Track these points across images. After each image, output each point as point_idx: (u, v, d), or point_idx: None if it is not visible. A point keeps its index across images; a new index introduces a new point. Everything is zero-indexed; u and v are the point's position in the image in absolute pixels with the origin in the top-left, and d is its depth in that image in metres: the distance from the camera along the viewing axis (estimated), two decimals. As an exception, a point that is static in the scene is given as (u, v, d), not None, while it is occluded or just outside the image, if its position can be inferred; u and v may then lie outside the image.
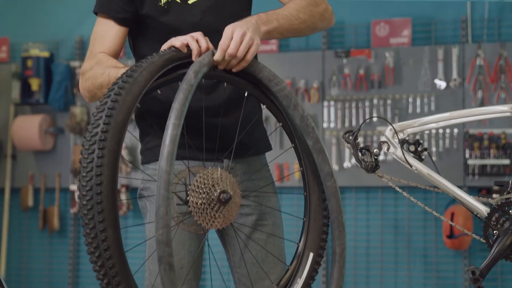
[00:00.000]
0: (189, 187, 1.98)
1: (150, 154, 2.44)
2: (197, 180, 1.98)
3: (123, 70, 2.12)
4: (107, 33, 2.35)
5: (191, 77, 1.95)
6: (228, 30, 2.09)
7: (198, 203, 1.97)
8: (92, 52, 2.35)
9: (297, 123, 2.07)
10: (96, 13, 2.40)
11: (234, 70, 2.11)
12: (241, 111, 2.33)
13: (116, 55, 2.37)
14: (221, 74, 2.11)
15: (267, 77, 2.08)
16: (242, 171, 2.44)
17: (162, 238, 1.76)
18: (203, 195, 1.97)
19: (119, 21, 2.35)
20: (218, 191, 1.99)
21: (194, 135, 2.27)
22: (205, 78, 2.07)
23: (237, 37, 2.07)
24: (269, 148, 2.55)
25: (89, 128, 1.86)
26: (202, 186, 1.98)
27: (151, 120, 2.38)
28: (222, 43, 2.07)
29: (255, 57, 2.18)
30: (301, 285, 2.13)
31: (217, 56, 2.07)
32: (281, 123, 2.17)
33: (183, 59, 2.05)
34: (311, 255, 2.15)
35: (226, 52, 2.07)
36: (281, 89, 2.07)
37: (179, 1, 2.35)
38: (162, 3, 2.34)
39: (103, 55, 2.31)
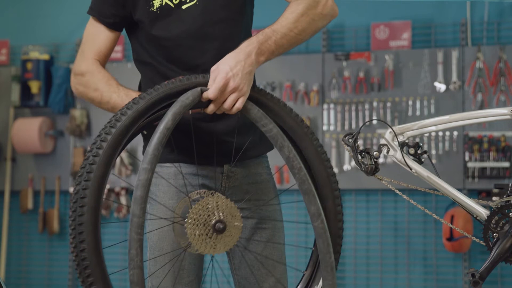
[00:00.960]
0: (186, 220, 2.04)
1: None
2: (193, 212, 2.03)
3: (113, 89, 2.26)
4: (98, 36, 2.40)
5: (169, 119, 1.99)
6: (220, 77, 2.09)
7: (196, 234, 2.02)
8: (84, 52, 2.40)
9: (285, 162, 2.08)
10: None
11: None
12: (237, 115, 2.34)
13: (106, 57, 2.41)
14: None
15: (254, 118, 2.09)
16: (242, 175, 2.44)
17: (133, 278, 1.87)
18: (200, 227, 2.03)
19: (109, 26, 2.40)
20: (213, 221, 2.03)
21: (191, 140, 2.28)
22: (196, 107, 2.11)
23: (227, 91, 2.09)
24: (270, 148, 2.55)
25: (75, 185, 1.94)
26: (198, 217, 2.03)
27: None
28: (211, 92, 2.08)
29: None
30: None
31: (210, 109, 2.12)
32: None
33: (171, 98, 2.06)
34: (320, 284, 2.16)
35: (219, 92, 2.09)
36: (267, 131, 2.08)
37: (173, 6, 2.35)
38: (155, 8, 2.34)
39: (94, 65, 2.36)
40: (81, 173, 1.92)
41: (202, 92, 2.07)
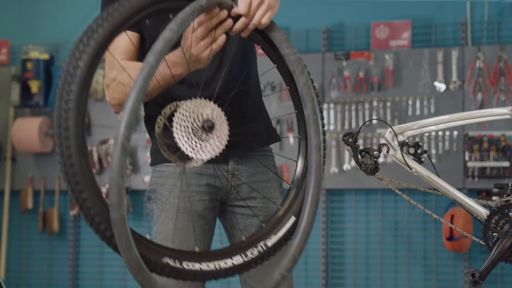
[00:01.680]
0: (178, 108, 1.97)
1: (154, 157, 2.45)
2: (187, 105, 1.97)
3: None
4: (120, 42, 2.33)
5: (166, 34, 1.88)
6: None
7: (182, 126, 1.95)
8: (111, 62, 2.33)
9: (300, 89, 2.05)
10: None
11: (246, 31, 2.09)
12: (238, 105, 2.34)
13: (133, 58, 2.35)
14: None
15: (279, 38, 2.06)
16: (247, 173, 2.44)
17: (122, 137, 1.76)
18: (189, 119, 1.96)
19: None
20: (204, 119, 1.97)
21: None
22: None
23: (255, 4, 2.05)
24: (276, 138, 2.55)
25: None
26: (190, 112, 1.96)
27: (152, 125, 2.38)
28: (241, 7, 2.04)
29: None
30: (274, 241, 2.08)
31: (238, 26, 2.05)
32: (288, 87, 2.15)
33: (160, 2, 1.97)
34: (293, 218, 2.10)
35: (250, 6, 2.05)
36: (289, 54, 2.05)
37: None
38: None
39: (122, 62, 2.29)
40: (61, 86, 1.83)
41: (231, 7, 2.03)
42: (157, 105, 2.29)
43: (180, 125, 1.95)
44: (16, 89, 6.68)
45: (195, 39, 2.05)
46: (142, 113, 2.52)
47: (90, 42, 1.80)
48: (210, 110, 1.99)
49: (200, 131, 1.97)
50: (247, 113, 2.41)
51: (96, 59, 1.81)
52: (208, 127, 1.96)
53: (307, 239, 2.01)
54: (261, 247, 2.06)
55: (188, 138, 1.95)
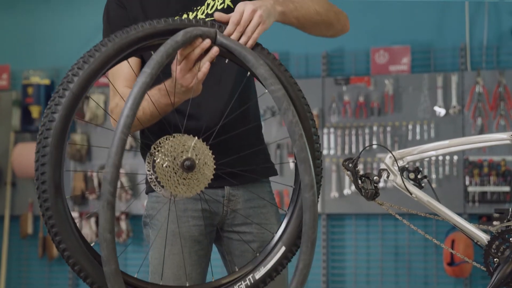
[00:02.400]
0: (160, 148, 1.98)
1: (149, 184, 2.46)
2: (169, 144, 1.98)
3: (146, 97, 2.14)
4: (121, 68, 2.35)
5: (155, 60, 1.91)
6: (240, 5, 2.06)
7: (164, 165, 1.97)
8: (113, 90, 2.36)
9: (287, 127, 2.02)
10: None
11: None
12: (235, 136, 2.35)
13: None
14: (223, 51, 2.06)
15: (263, 75, 2.01)
16: (243, 198, 2.44)
17: (106, 176, 1.80)
18: (170, 159, 1.97)
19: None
20: (184, 157, 1.98)
21: None
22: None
23: (247, 14, 2.04)
24: (272, 173, 2.54)
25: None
26: (172, 150, 1.97)
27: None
28: (233, 17, 2.04)
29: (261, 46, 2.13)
30: (262, 274, 2.06)
31: (229, 29, 2.04)
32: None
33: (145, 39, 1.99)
34: (283, 249, 2.09)
35: (236, 26, 2.04)
36: (274, 91, 2.00)
37: None
38: None
39: (124, 89, 2.32)
40: (46, 114, 1.89)
41: (215, 34, 2.02)
42: (153, 134, 2.30)
43: (162, 165, 1.97)
44: (17, 114, 6.70)
45: (180, 71, 2.05)
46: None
47: (65, 93, 1.86)
48: (191, 146, 2.00)
49: (180, 170, 1.98)
50: (244, 144, 2.40)
51: (73, 109, 1.87)
52: (187, 167, 1.97)
53: (305, 281, 1.99)
54: (249, 280, 2.05)
55: (170, 177, 1.97)
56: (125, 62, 2.31)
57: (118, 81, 2.36)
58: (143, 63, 2.40)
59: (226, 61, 2.09)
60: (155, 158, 1.97)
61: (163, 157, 1.96)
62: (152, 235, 2.42)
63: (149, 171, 1.99)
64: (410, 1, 6.10)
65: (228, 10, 2.38)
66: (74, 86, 1.85)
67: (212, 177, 2.02)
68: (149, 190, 2.47)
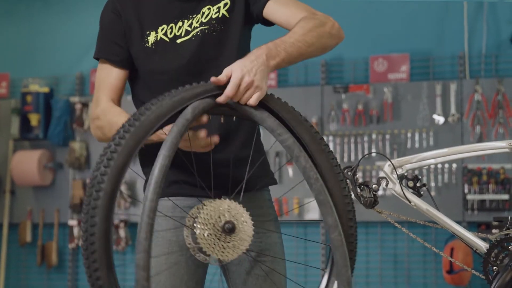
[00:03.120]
0: (197, 219, 2.00)
1: None
2: (204, 213, 2.00)
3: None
4: (108, 77, 2.39)
5: (188, 112, 1.97)
6: (236, 74, 2.05)
7: (205, 235, 1.98)
8: (97, 98, 2.39)
9: (302, 172, 2.04)
10: (97, 59, 2.45)
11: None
12: (238, 145, 2.35)
13: (119, 96, 2.41)
14: (229, 110, 2.10)
15: (270, 127, 2.05)
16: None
17: (139, 262, 1.81)
18: (209, 227, 1.99)
19: (117, 64, 2.40)
20: (223, 221, 1.99)
21: (190, 172, 2.28)
22: (211, 114, 2.08)
23: (243, 87, 2.05)
24: (272, 182, 2.54)
25: (93, 170, 1.90)
26: (209, 218, 1.99)
27: (149, 157, 2.40)
28: (228, 90, 2.04)
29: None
30: None
31: (221, 99, 2.05)
32: None
33: (194, 98, 2.02)
34: (336, 283, 2.13)
35: (229, 98, 2.06)
36: (283, 140, 2.04)
37: (168, 40, 2.37)
38: (150, 44, 2.37)
39: (108, 103, 2.36)
40: (101, 160, 1.88)
41: (214, 99, 2.05)
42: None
43: (203, 235, 1.99)
44: (16, 122, 6.70)
45: (194, 141, 2.14)
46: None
47: (108, 171, 1.86)
48: (226, 209, 2.03)
49: (223, 235, 2.01)
50: (244, 155, 2.40)
51: (118, 183, 1.88)
52: (229, 230, 2.00)
53: None
54: None
55: (214, 244, 2.00)
56: (114, 70, 2.36)
57: (101, 90, 2.39)
58: (130, 74, 2.43)
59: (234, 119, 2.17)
60: (194, 230, 1.99)
61: (202, 227, 1.99)
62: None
63: (189, 244, 2.03)
64: (409, 9, 6.11)
65: (223, 19, 2.40)
66: (117, 161, 1.89)
67: (253, 232, 2.06)
68: None
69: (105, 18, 2.43)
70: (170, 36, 2.37)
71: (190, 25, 2.38)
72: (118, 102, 2.41)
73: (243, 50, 2.44)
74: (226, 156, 2.37)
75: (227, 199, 2.04)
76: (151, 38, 2.36)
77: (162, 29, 2.38)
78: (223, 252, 2.00)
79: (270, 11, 2.39)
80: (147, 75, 2.39)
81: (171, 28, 2.38)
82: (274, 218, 2.50)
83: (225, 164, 2.36)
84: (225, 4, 2.42)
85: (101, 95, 2.38)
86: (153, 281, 2.36)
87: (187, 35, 2.38)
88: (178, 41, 2.37)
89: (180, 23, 2.38)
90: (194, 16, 2.40)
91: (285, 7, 2.38)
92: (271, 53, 2.14)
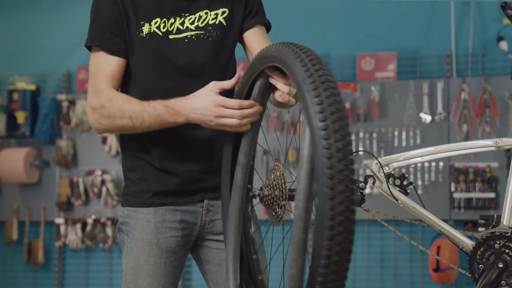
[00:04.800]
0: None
1: (128, 199, 2.47)
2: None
3: (139, 107, 2.23)
4: (107, 65, 2.35)
5: None
6: None
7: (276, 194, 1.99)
8: (96, 85, 2.34)
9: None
10: (89, 47, 2.40)
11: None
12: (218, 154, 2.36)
13: (119, 85, 2.38)
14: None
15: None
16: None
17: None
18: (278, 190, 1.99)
19: (115, 53, 2.36)
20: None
21: (169, 183, 2.33)
22: None
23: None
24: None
25: None
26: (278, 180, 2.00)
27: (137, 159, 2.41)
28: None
29: None
30: None
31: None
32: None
33: None
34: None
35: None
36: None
37: (160, 34, 2.37)
38: (144, 34, 2.36)
39: (112, 92, 2.32)
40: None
41: None
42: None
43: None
44: (2, 119, 6.67)
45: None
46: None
47: None
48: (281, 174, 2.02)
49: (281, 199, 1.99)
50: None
51: None
52: (290, 197, 1.97)
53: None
54: None
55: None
56: (112, 58, 2.33)
57: (100, 78, 2.34)
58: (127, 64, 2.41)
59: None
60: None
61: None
62: (127, 242, 2.41)
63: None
64: (396, 8, 6.12)
65: (220, 26, 2.41)
66: None
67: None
68: (128, 205, 2.47)
69: (102, 6, 2.37)
70: (162, 30, 2.37)
71: (182, 24, 2.38)
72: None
73: (233, 60, 2.49)
74: (204, 165, 2.43)
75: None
76: (145, 29, 2.35)
77: (156, 23, 2.37)
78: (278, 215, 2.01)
79: (251, 34, 2.47)
80: (142, 63, 2.38)
81: (164, 22, 2.37)
82: (254, 217, 2.52)
83: (203, 171, 2.42)
84: (223, 12, 2.43)
85: (100, 83, 2.33)
86: (131, 281, 2.36)
87: (179, 34, 2.38)
88: (170, 36, 2.37)
89: (172, 20, 2.38)
90: (186, 15, 2.39)
91: (260, 42, 2.44)
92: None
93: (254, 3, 2.49)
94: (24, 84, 6.58)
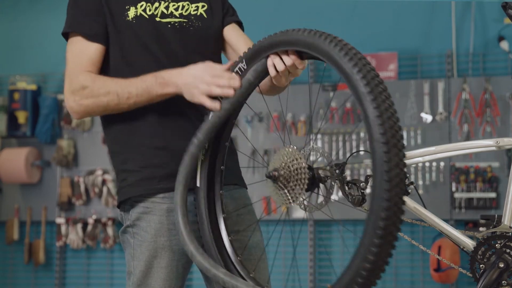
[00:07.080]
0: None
1: (127, 190, 2.40)
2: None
3: (124, 83, 2.24)
4: (86, 50, 2.34)
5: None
6: None
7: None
8: (75, 70, 2.32)
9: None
10: (66, 34, 2.40)
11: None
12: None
13: (98, 71, 2.36)
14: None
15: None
16: (231, 206, 2.43)
17: None
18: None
19: (94, 39, 2.35)
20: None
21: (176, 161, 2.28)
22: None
23: None
24: (245, 184, 2.57)
25: None
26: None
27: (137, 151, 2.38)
28: None
29: None
30: None
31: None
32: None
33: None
34: None
35: None
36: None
37: (147, 17, 2.38)
38: (130, 18, 2.36)
39: (91, 74, 2.31)
40: None
41: None
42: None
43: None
44: (3, 119, 6.67)
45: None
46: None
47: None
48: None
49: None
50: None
51: None
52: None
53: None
54: None
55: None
56: (91, 44, 2.32)
57: (78, 64, 2.33)
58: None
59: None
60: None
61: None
62: (135, 245, 2.37)
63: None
64: (397, 8, 6.12)
65: (202, 17, 2.46)
66: None
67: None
68: (132, 194, 2.42)
69: None
70: (148, 13, 2.38)
71: (166, 8, 2.41)
72: None
73: (219, 60, 2.52)
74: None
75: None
76: (131, 13, 2.36)
77: (141, 6, 2.38)
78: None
79: (231, 30, 2.52)
80: (128, 47, 2.37)
81: (149, 6, 2.39)
82: (255, 214, 2.52)
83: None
84: (203, 6, 2.48)
85: (78, 69, 2.32)
86: (141, 284, 2.34)
87: (164, 18, 2.40)
88: (157, 19, 2.38)
89: (156, 4, 2.40)
90: (169, 0, 2.42)
91: (241, 36, 2.52)
92: None
93: (229, 5, 2.57)
94: (25, 84, 6.58)
